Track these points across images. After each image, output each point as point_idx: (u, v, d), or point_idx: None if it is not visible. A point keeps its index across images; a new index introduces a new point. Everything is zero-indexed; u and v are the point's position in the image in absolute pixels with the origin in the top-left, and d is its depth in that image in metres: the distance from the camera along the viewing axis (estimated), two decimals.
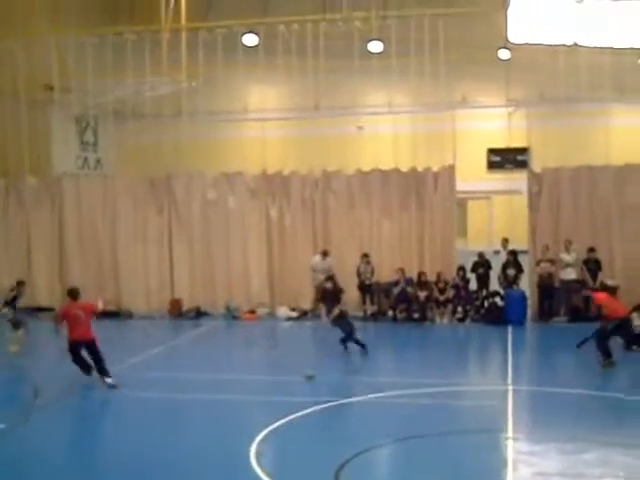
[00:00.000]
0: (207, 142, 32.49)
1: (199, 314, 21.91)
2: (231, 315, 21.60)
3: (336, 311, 16.87)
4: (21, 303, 18.32)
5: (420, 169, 22.00)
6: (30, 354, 17.16)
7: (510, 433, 10.92)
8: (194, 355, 17.42)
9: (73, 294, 14.88)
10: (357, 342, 16.46)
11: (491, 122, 31.91)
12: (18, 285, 18.00)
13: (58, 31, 27.49)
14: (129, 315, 22.15)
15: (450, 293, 20.71)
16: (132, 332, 21.00)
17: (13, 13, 27.48)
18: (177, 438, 11.14)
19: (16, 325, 17.21)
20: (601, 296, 15.75)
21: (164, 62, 27.86)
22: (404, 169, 22.14)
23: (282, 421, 11.56)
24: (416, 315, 20.60)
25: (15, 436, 11.21)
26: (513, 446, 10.38)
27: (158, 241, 22.98)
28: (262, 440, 10.68)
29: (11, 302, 17.49)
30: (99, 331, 18.07)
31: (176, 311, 22.10)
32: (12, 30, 26.66)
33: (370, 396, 13.02)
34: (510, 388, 13.55)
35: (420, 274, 20.98)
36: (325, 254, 21.57)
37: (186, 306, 22.21)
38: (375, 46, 26.87)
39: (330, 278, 19.06)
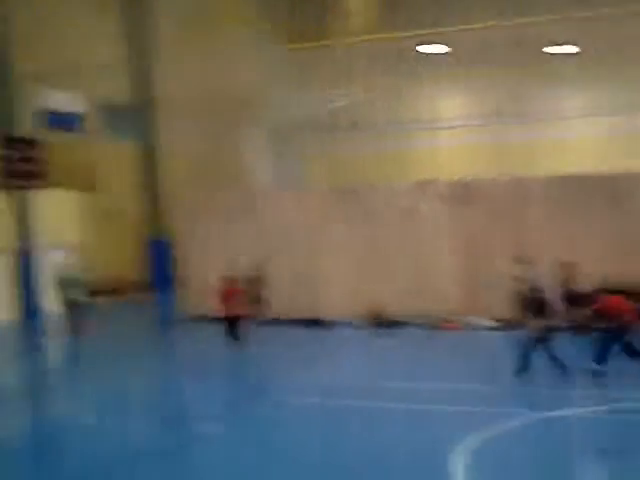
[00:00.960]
0: (397, 152, 32.84)
1: (396, 323, 22.06)
2: (430, 325, 21.61)
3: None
4: None
5: (619, 172, 21.25)
6: None
7: None
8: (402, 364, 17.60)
9: None
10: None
11: None
12: None
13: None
14: (330, 324, 22.61)
15: None
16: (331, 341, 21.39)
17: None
18: (382, 448, 11.31)
19: None
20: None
21: (350, 75, 28.38)
22: (603, 174, 21.46)
23: (494, 432, 11.49)
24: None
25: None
26: None
27: (354, 252, 23.34)
28: (466, 451, 10.63)
29: None
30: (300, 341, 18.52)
31: (376, 320, 22.32)
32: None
33: (582, 410, 12.68)
34: None
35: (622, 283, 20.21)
36: (525, 262, 21.17)
37: (386, 315, 22.40)
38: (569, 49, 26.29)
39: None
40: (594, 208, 21.36)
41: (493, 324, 21.42)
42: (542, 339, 15.11)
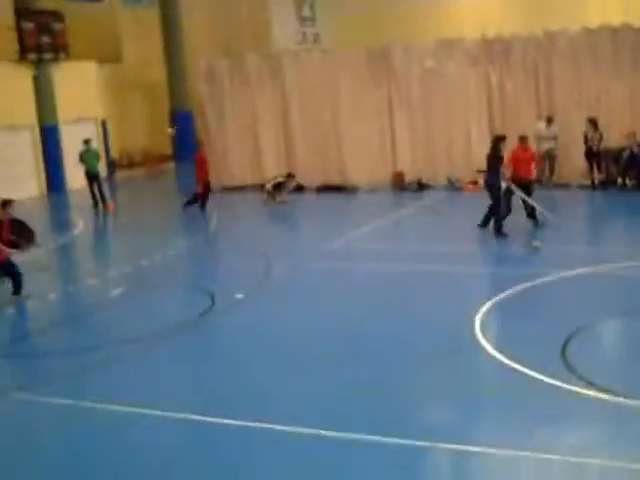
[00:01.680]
0: (422, 9, 31.83)
1: (421, 186, 21.94)
2: (453, 187, 21.49)
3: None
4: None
5: None
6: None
7: None
8: (416, 228, 17.64)
9: None
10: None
11: None
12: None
13: None
14: (353, 190, 22.58)
15: None
16: (356, 206, 21.48)
17: None
18: (399, 309, 11.47)
19: None
20: None
21: None
22: (636, 25, 20.59)
23: (506, 293, 11.57)
24: None
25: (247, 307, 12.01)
26: None
27: (378, 114, 22.97)
28: (486, 312, 10.77)
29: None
30: (324, 205, 18.76)
31: (399, 184, 22.28)
32: None
33: (596, 268, 12.67)
34: None
35: None
36: (550, 120, 20.78)
37: (408, 179, 22.30)
38: None
39: None
40: (623, 61, 20.61)
41: None
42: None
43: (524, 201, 16.17)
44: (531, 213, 16.24)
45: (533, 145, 19.98)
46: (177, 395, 8.86)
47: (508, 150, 16.24)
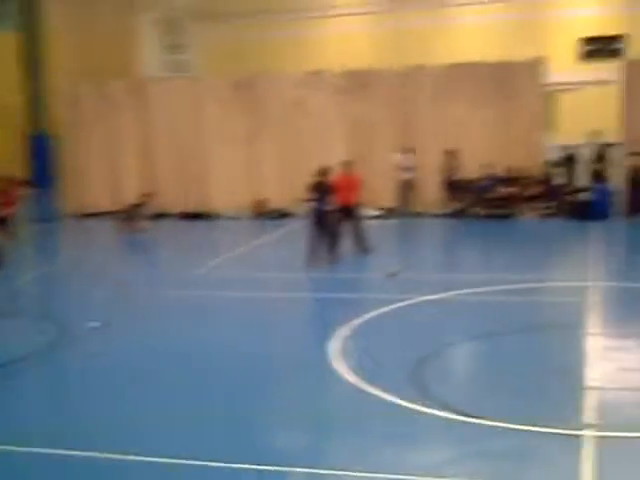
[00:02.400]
0: (290, 40, 32.11)
1: (283, 215, 22.02)
2: None
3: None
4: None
5: (509, 60, 21.28)
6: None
7: (593, 329, 10.74)
8: (277, 255, 17.61)
9: None
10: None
11: (583, 9, 30.47)
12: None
13: None
14: (216, 216, 22.44)
15: (536, 188, 20.26)
16: (218, 233, 21.33)
17: None
18: (257, 335, 11.33)
19: None
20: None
21: None
22: (492, 60, 21.44)
23: (362, 318, 11.63)
24: (501, 211, 20.28)
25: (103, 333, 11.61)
26: (596, 341, 10.21)
27: (243, 142, 23.01)
28: (342, 337, 10.78)
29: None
30: (185, 232, 18.52)
31: (261, 212, 22.29)
32: None
33: (451, 293, 12.95)
34: (593, 284, 13.27)
35: (507, 169, 20.57)
36: (409, 151, 21.30)
37: (270, 207, 22.35)
38: None
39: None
40: (482, 97, 21.37)
41: (377, 212, 21.51)
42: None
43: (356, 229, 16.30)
44: (359, 241, 16.32)
45: (396, 174, 20.51)
46: (18, 429, 8.40)
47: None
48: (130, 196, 22.61)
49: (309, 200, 15.65)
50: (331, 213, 15.46)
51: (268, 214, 22.16)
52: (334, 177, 16.14)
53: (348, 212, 16.03)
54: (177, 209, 22.90)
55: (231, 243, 18.71)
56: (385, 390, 8.63)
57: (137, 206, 20.81)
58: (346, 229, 16.20)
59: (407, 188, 21.33)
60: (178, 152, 23.34)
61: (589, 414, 7.90)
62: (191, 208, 22.87)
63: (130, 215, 20.56)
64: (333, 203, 15.51)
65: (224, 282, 14.64)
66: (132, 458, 7.36)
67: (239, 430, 7.98)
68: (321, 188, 15.44)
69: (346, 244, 16.14)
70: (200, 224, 21.88)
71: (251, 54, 30.15)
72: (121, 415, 8.46)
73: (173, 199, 22.95)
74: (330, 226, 15.46)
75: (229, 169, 22.95)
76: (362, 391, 8.77)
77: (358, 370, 9.41)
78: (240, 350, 10.61)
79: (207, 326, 11.97)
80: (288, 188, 22.62)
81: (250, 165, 22.93)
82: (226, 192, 22.85)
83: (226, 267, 15.97)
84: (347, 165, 16.58)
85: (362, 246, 16.25)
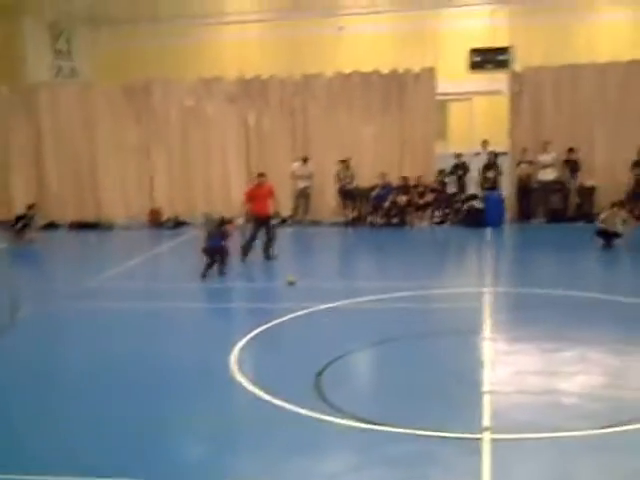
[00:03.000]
0: (184, 47, 31.73)
1: (178, 224, 21.80)
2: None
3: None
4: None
5: (401, 70, 21.65)
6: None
7: (488, 334, 10.99)
8: (174, 265, 17.39)
9: None
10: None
11: (473, 21, 31.18)
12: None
13: None
14: (109, 226, 22.00)
15: (429, 197, 20.66)
16: (111, 243, 20.93)
17: None
18: (156, 347, 11.14)
19: None
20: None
21: None
22: (385, 71, 21.77)
23: (262, 328, 11.59)
24: (396, 220, 20.58)
25: None
26: (491, 346, 10.45)
27: (137, 150, 22.69)
28: (243, 347, 10.71)
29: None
30: (77, 243, 18.00)
31: (155, 221, 22.00)
32: None
33: (347, 301, 13.04)
34: (488, 290, 13.59)
35: (402, 178, 20.90)
36: (305, 160, 21.41)
37: (165, 216, 22.08)
38: None
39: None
40: (376, 106, 21.66)
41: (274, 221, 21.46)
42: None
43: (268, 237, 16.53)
44: (267, 249, 16.50)
45: (292, 183, 20.59)
46: None
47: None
48: (20, 206, 21.98)
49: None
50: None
51: (163, 223, 21.87)
52: (249, 187, 16.69)
53: (263, 221, 16.34)
54: (69, 219, 22.34)
55: (126, 253, 18.36)
56: (287, 400, 8.60)
57: (23, 217, 20.15)
58: (260, 237, 16.43)
59: (303, 196, 21.42)
60: (69, 160, 22.80)
61: (487, 417, 8.07)
62: (84, 218, 22.35)
63: (17, 226, 19.93)
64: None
65: (119, 293, 14.35)
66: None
67: (142, 444, 7.83)
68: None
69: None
70: (93, 234, 21.41)
71: (144, 61, 29.62)
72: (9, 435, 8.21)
73: (65, 209, 22.41)
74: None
75: (123, 177, 22.57)
76: (264, 401, 8.72)
77: (259, 380, 9.36)
78: (137, 363, 10.41)
79: (101, 340, 11.68)
80: (183, 197, 22.44)
81: (144, 173, 22.61)
82: (120, 201, 22.49)
83: (121, 278, 15.66)
84: (260, 175, 16.86)
85: (268, 253, 16.46)
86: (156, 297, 14.04)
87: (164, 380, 9.69)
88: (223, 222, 15.69)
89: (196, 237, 19.82)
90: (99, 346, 11.32)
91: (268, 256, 16.44)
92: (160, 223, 21.92)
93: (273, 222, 16.72)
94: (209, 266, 15.14)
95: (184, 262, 17.26)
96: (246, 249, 16.28)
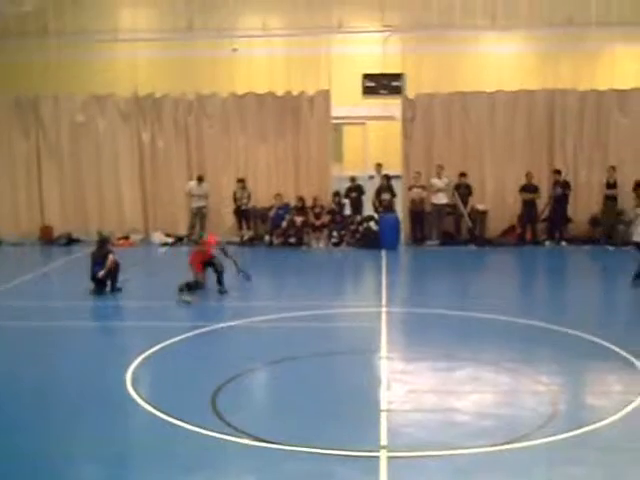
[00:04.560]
0: (76, 63, 31.12)
1: (71, 241, 21.33)
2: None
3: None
4: None
5: (295, 93, 21.85)
6: None
7: (384, 353, 11.14)
8: (66, 282, 16.99)
9: None
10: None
11: (366, 47, 31.68)
12: None
13: None
14: None
15: (326, 218, 20.86)
16: (0, 259, 20.28)
17: None
18: (48, 367, 10.86)
19: None
20: None
21: None
22: (279, 93, 21.92)
23: (157, 347, 11.45)
24: (292, 240, 20.68)
25: None
26: (386, 365, 10.60)
27: (26, 166, 22.12)
28: (138, 366, 10.56)
29: None
30: None
31: (47, 238, 21.48)
32: None
33: (245, 320, 13.02)
34: (384, 310, 13.78)
35: (298, 199, 21.02)
36: (200, 179, 21.31)
37: (57, 232, 21.58)
38: None
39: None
40: (271, 127, 21.77)
41: (169, 240, 21.32)
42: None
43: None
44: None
45: (187, 202, 20.49)
46: None
47: None
48: None
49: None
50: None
51: (55, 240, 21.36)
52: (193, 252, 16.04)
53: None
54: None
55: (15, 270, 17.83)
56: (184, 419, 8.53)
57: None
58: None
59: (199, 216, 21.28)
60: None
61: (384, 436, 8.18)
62: None
63: None
64: None
65: (6, 311, 13.92)
66: None
67: (39, 466, 7.62)
68: None
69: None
70: None
71: (34, 75, 29.00)
72: None
73: None
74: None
75: (12, 192, 21.96)
76: (161, 420, 8.62)
77: (155, 399, 9.25)
78: (28, 383, 10.13)
79: None
80: (76, 214, 21.96)
81: (35, 189, 22.04)
82: (9, 217, 21.83)
83: (9, 295, 15.19)
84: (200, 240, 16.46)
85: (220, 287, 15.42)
86: (46, 315, 13.69)
87: (56, 401, 9.46)
88: (103, 242, 15.43)
89: (89, 254, 19.51)
90: None
91: (220, 290, 15.29)
92: (52, 240, 21.39)
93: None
94: (99, 291, 14.91)
95: (76, 280, 16.81)
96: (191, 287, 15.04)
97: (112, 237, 20.74)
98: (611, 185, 20.33)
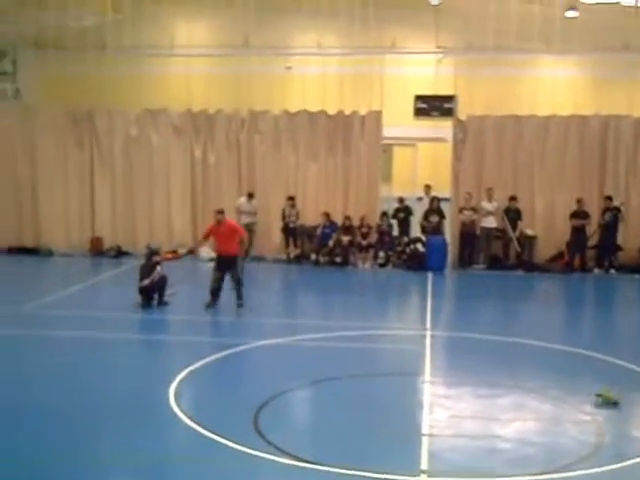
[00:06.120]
0: (131, 78, 31.76)
1: (120, 253, 21.59)
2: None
3: None
4: None
5: (347, 112, 21.91)
6: None
7: (427, 377, 11.11)
8: (115, 294, 17.21)
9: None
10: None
11: (419, 68, 31.83)
12: None
13: None
14: (49, 253, 21.68)
15: (373, 238, 20.85)
16: (51, 270, 20.63)
17: None
18: (95, 379, 10.97)
19: None
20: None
21: None
22: (331, 112, 22.01)
23: (202, 362, 11.53)
24: (338, 259, 20.69)
25: None
26: (429, 389, 10.56)
27: (79, 177, 22.44)
28: (182, 381, 10.64)
29: None
30: (15, 268, 17.61)
31: (97, 250, 21.76)
32: None
33: (290, 339, 13.06)
34: (428, 333, 13.73)
35: (346, 218, 21.04)
36: (251, 196, 21.44)
37: (107, 245, 21.88)
38: None
39: None
40: (322, 145, 21.85)
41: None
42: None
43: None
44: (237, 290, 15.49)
45: (237, 218, 20.59)
46: None
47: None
48: None
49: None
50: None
51: (105, 252, 21.65)
52: (208, 226, 15.86)
53: (226, 262, 15.20)
54: (7, 243, 21.97)
55: (65, 280, 18.11)
56: (225, 436, 8.57)
57: None
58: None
59: (248, 232, 21.38)
60: (9, 183, 22.39)
61: (425, 460, 8.14)
62: (23, 243, 22.01)
63: None
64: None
65: (55, 321, 14.15)
66: None
67: (82, 476, 7.72)
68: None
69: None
70: (31, 260, 21.06)
71: (90, 88, 29.55)
72: None
73: (3, 233, 22.02)
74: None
75: (65, 204, 22.29)
76: (202, 436, 8.68)
77: (198, 415, 9.32)
78: (76, 393, 10.26)
79: (37, 368, 11.50)
80: (126, 227, 22.24)
81: (86, 201, 22.36)
82: (61, 228, 22.16)
83: (58, 305, 15.43)
84: (219, 213, 15.52)
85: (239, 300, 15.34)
86: (94, 326, 13.87)
87: (101, 412, 9.57)
88: (152, 254, 15.58)
89: (137, 267, 19.73)
90: (31, 375, 11.14)
91: (239, 304, 15.21)
92: (102, 252, 21.68)
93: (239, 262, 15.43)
94: (146, 304, 15.08)
95: (124, 292, 17.03)
96: (213, 293, 15.15)
97: (160, 250, 21.11)
98: None
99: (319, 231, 20.95)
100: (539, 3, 26.12)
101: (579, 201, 20.27)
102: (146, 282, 15.14)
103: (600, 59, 27.32)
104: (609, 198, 20.25)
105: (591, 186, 20.84)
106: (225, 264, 15.25)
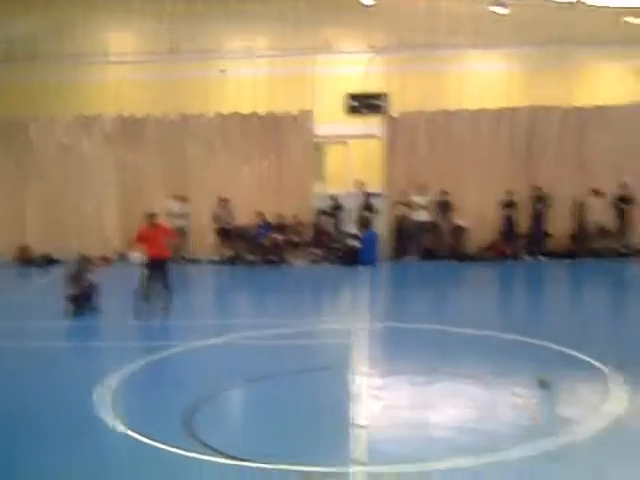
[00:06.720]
0: (62, 86, 31.18)
1: (50, 261, 21.17)
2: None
3: None
4: None
5: (279, 113, 21.82)
6: None
7: (361, 368, 11.01)
8: (41, 302, 16.81)
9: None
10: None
11: (351, 67, 31.80)
12: None
13: None
14: None
15: (306, 236, 20.79)
16: None
17: None
18: (22, 390, 10.65)
19: None
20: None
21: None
22: (263, 113, 21.89)
23: (134, 366, 11.30)
24: (273, 258, 20.58)
25: None
26: (364, 381, 10.46)
27: (10, 186, 22.04)
28: (113, 387, 10.38)
29: None
30: None
31: (25, 258, 21.30)
32: None
33: (223, 338, 12.89)
34: (361, 325, 13.67)
35: (280, 217, 20.96)
36: (182, 199, 21.21)
37: (35, 252, 21.43)
38: None
39: None
40: (254, 146, 21.74)
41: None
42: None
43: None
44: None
45: (168, 221, 20.27)
46: None
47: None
48: None
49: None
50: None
51: (33, 260, 21.19)
52: (140, 229, 15.35)
53: (157, 265, 14.92)
54: None
55: None
56: (158, 440, 8.35)
57: None
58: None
59: (179, 235, 21.14)
60: None
61: (360, 451, 8.04)
62: None
63: None
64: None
65: None
66: None
67: None
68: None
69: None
70: None
71: (21, 97, 28.97)
72: None
73: None
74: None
75: None
76: (136, 442, 8.44)
77: (129, 419, 9.07)
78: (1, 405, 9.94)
79: None
80: (56, 234, 21.81)
81: (14, 209, 21.90)
82: None
83: None
84: (151, 217, 15.29)
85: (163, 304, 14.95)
86: (20, 336, 13.49)
87: (26, 422, 9.27)
88: (84, 262, 15.26)
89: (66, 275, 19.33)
90: None
91: (165, 307, 14.82)
92: (30, 260, 21.21)
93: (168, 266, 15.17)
94: (77, 312, 14.74)
95: (52, 300, 16.64)
96: (146, 298, 14.81)
97: (93, 259, 20.73)
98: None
99: (255, 231, 20.81)
100: (466, 0, 26.32)
101: (508, 192, 20.51)
102: (74, 290, 14.81)
103: (529, 52, 27.64)
104: (538, 188, 20.53)
105: (520, 176, 21.08)
106: (157, 267, 14.99)
